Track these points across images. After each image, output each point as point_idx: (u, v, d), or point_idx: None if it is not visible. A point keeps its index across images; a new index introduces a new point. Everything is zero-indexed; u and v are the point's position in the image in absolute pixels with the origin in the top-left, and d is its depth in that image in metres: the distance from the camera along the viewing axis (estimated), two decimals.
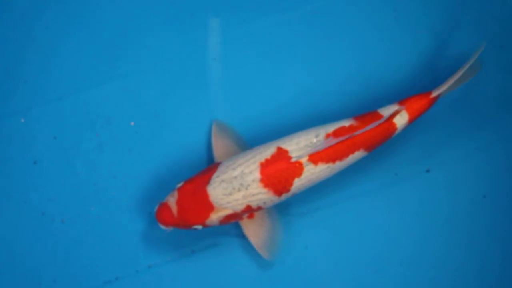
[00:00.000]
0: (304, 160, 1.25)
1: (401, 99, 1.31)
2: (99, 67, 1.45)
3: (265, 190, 1.25)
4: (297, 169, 1.25)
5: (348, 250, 1.38)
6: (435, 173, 1.40)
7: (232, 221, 1.30)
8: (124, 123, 1.43)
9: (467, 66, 1.29)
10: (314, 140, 1.26)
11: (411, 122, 1.30)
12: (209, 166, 1.31)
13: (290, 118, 1.42)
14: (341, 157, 1.26)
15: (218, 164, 1.29)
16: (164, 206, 1.27)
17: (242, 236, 1.37)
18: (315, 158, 1.25)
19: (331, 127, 1.28)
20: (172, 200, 1.27)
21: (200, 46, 1.45)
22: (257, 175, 1.25)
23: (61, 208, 1.41)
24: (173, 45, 1.45)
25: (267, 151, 1.26)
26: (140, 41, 1.45)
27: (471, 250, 1.38)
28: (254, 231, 1.33)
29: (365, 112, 1.31)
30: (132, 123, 1.43)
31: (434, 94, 1.30)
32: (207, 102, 1.43)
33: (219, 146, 1.37)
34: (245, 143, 1.38)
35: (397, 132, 1.30)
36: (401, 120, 1.29)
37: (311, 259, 1.38)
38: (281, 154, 1.25)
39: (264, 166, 1.25)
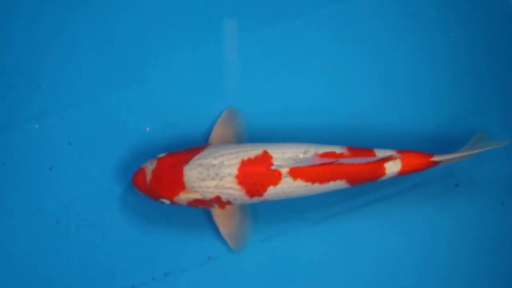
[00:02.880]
0: (284, 171, 1.24)
1: (404, 149, 1.29)
2: (114, 72, 1.43)
3: (238, 187, 1.25)
4: (275, 177, 1.25)
5: (366, 257, 1.38)
6: (452, 179, 1.40)
7: (201, 207, 1.31)
8: (139, 128, 1.41)
9: (479, 150, 1.28)
10: (301, 155, 1.26)
11: (402, 174, 1.28)
12: (197, 146, 1.31)
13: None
14: (321, 180, 1.25)
15: (206, 146, 1.29)
16: (140, 171, 1.30)
17: (260, 241, 1.37)
18: (295, 172, 1.24)
19: (322, 149, 1.27)
20: (149, 168, 1.29)
21: (217, 52, 1.44)
22: (234, 170, 1.25)
23: (77, 214, 1.39)
24: (189, 51, 1.44)
25: (252, 151, 1.26)
26: (156, 46, 1.44)
27: (489, 257, 1.38)
28: (223, 220, 1.34)
29: (361, 147, 1.29)
30: (147, 129, 1.42)
31: (435, 158, 1.27)
32: (224, 108, 1.41)
33: (218, 133, 1.37)
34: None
35: (384, 177, 1.28)
36: (392, 167, 1.27)
37: (330, 265, 1.38)
38: (265, 158, 1.25)
39: (245, 164, 1.25)
